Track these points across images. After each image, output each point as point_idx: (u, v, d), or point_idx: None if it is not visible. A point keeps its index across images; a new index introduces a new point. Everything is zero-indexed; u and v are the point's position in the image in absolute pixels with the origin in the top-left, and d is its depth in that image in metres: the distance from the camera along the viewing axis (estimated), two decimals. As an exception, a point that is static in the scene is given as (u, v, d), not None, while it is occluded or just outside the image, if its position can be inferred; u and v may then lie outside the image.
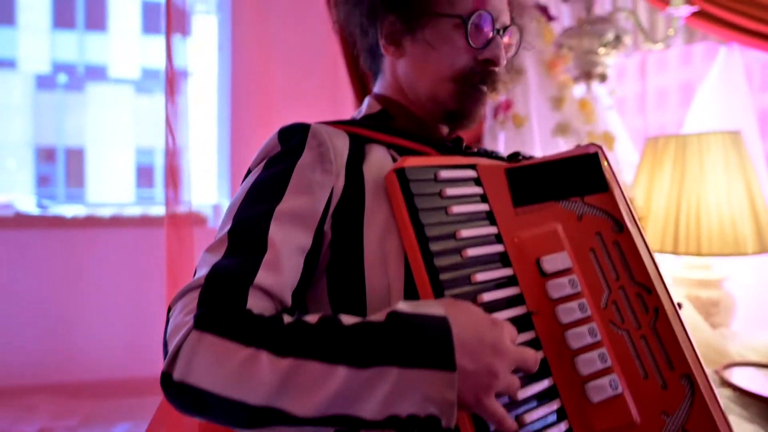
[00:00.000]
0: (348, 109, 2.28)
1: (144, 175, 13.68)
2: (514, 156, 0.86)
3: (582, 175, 0.77)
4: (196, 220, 2.75)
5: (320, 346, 0.60)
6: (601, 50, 2.02)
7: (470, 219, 0.74)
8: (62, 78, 13.52)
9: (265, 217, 0.72)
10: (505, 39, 0.88)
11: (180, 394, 0.60)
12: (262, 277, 0.67)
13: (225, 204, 2.84)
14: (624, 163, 2.18)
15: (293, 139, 0.79)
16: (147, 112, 13.26)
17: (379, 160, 0.80)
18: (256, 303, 0.66)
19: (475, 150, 0.91)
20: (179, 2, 1.69)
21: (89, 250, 2.74)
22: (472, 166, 0.78)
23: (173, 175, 1.84)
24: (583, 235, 0.75)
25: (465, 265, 0.71)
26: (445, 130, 0.93)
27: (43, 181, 13.32)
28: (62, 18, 13.45)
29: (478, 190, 0.77)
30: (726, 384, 1.53)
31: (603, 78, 2.07)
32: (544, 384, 0.69)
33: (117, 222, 2.73)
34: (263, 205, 0.73)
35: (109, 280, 2.70)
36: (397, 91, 0.91)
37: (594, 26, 2.03)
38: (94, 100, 13.39)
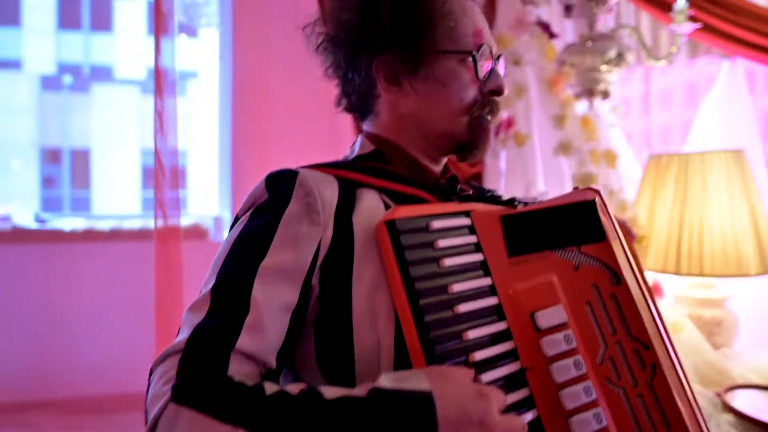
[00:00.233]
0: (347, 122, 2.27)
1: (150, 177, 13.66)
2: (511, 201, 0.84)
3: (579, 223, 0.76)
4: (196, 233, 2.75)
5: (300, 423, 0.59)
6: (604, 67, 2.01)
7: (464, 270, 0.72)
8: (67, 79, 13.55)
9: (248, 275, 0.70)
10: (501, 68, 0.91)
11: None
12: (244, 340, 0.66)
13: (226, 216, 2.82)
14: (626, 179, 2.17)
15: (280, 186, 0.78)
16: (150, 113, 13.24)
17: (369, 208, 0.78)
18: (238, 369, 0.64)
19: (470, 191, 0.90)
20: (167, 4, 1.70)
21: (89, 263, 2.73)
22: (467, 213, 0.77)
23: (162, 178, 1.84)
24: (579, 286, 0.73)
25: (457, 320, 0.69)
26: (439, 169, 0.92)
27: (47, 183, 13.32)
28: (67, 18, 13.47)
29: (472, 239, 0.75)
30: (728, 408, 1.52)
31: (605, 95, 2.06)
32: None
33: (117, 235, 2.72)
34: (248, 260, 0.72)
35: (109, 294, 2.69)
36: (392, 130, 0.89)
37: (596, 43, 2.01)
38: (99, 101, 13.41)
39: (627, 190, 2.10)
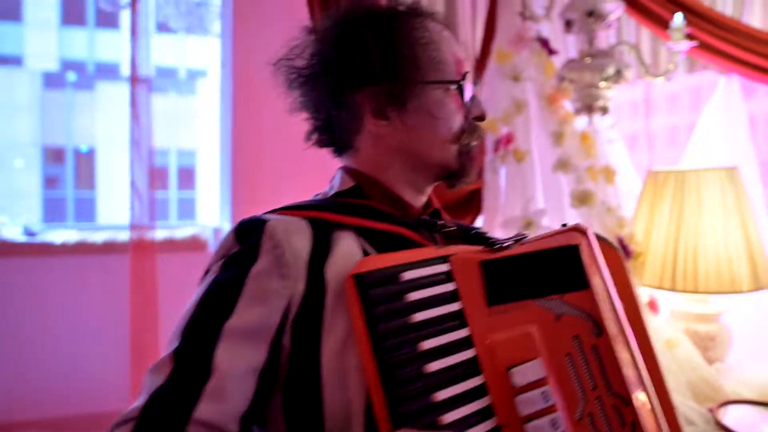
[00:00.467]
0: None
1: (156, 178, 13.56)
2: (492, 244, 0.77)
3: (561, 270, 0.73)
4: (195, 244, 2.70)
5: None
6: (602, 84, 2.04)
7: (438, 322, 0.69)
8: (71, 76, 13.42)
9: (211, 337, 0.67)
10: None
11: None
12: (203, 409, 0.63)
13: (226, 228, 2.74)
14: (627, 193, 2.20)
15: (249, 238, 0.75)
16: (159, 111, 13.17)
17: (344, 255, 0.75)
18: None
19: (453, 227, 0.88)
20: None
21: (81, 277, 2.65)
22: (445, 259, 0.74)
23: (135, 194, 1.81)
24: (559, 337, 0.71)
25: (427, 378, 0.66)
26: (423, 200, 0.92)
27: (50, 183, 13.20)
28: (71, 14, 13.35)
29: (449, 287, 0.72)
30: (720, 426, 1.56)
31: (604, 111, 2.09)
32: None
33: (110, 248, 2.64)
34: (212, 320, 0.69)
35: (102, 309, 2.61)
36: (374, 165, 0.88)
37: (595, 60, 2.04)
38: (104, 99, 13.30)
39: (627, 205, 2.12)
